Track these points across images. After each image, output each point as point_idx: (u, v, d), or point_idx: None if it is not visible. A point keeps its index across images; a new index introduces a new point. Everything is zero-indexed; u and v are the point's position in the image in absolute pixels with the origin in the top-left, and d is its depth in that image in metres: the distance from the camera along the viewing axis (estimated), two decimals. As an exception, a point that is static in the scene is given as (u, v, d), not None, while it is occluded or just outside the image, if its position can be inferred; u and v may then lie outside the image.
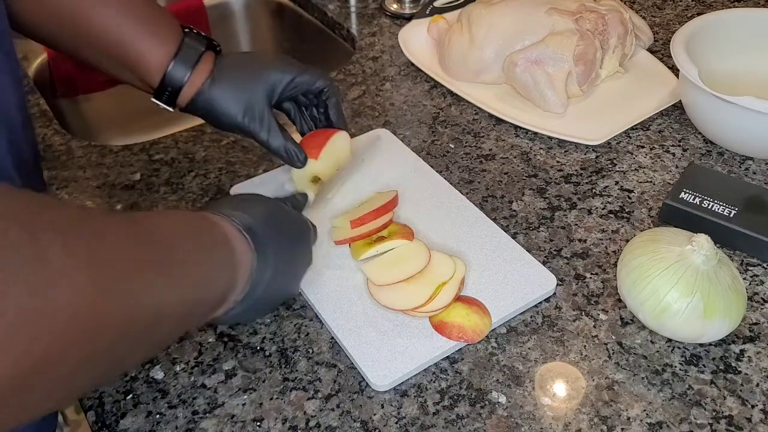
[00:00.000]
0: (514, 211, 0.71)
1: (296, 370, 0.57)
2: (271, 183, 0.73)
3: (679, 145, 0.80)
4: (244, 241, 0.49)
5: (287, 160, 0.66)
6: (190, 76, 0.62)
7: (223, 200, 0.56)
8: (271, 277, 0.51)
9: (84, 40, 0.60)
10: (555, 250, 0.67)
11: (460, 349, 0.58)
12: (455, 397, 0.55)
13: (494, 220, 0.69)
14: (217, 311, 0.49)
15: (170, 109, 0.64)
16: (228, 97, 0.63)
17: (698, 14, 0.96)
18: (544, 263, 0.65)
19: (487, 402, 0.55)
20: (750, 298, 0.62)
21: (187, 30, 0.63)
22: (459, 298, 0.60)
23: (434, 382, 0.56)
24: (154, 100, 0.63)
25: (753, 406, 0.54)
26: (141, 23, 0.60)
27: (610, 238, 0.68)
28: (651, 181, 0.75)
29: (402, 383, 0.56)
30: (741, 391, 0.55)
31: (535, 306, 0.62)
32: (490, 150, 0.79)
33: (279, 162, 0.77)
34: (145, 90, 0.64)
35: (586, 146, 0.80)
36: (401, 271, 0.61)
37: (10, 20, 0.50)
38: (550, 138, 0.81)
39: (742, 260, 0.66)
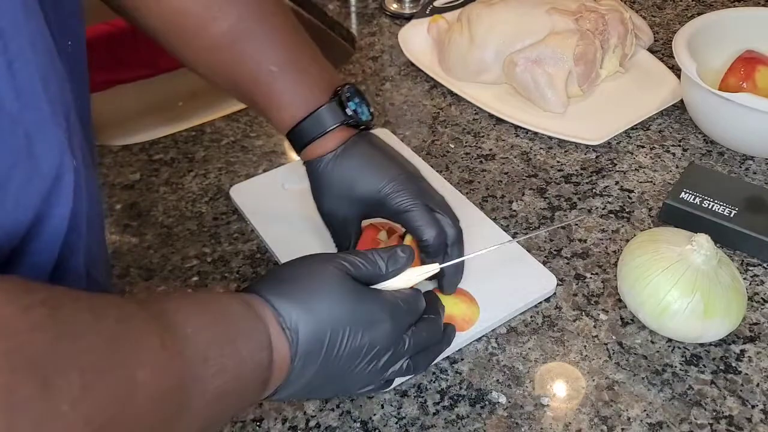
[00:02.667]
0: (514, 211, 0.71)
1: (296, 370, 0.57)
2: (271, 183, 0.73)
3: (680, 145, 0.80)
4: (284, 339, 0.42)
5: None
6: (307, 145, 0.57)
7: (278, 277, 0.45)
8: (312, 376, 0.43)
9: (222, 69, 0.57)
10: (555, 250, 0.67)
11: (460, 349, 0.58)
12: (455, 397, 0.55)
13: (494, 220, 0.69)
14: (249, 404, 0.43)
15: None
16: (324, 190, 0.57)
17: (698, 14, 0.96)
18: (544, 263, 0.65)
19: (487, 402, 0.54)
20: (750, 298, 0.62)
21: (336, 92, 0.57)
22: None
23: (434, 382, 0.56)
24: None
25: (753, 407, 0.54)
26: (285, 72, 0.56)
27: (610, 238, 0.68)
28: (651, 181, 0.75)
29: (402, 383, 0.56)
30: (741, 391, 0.55)
31: (535, 306, 0.62)
32: (490, 150, 0.79)
33: (279, 161, 0.77)
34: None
35: (586, 146, 0.79)
36: None
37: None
38: (550, 138, 0.81)
39: (743, 260, 0.66)
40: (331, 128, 0.56)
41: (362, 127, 0.58)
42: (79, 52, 0.44)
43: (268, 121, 0.59)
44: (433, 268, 0.51)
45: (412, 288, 0.49)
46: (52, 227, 0.37)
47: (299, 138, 0.57)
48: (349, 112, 0.56)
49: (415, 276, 0.49)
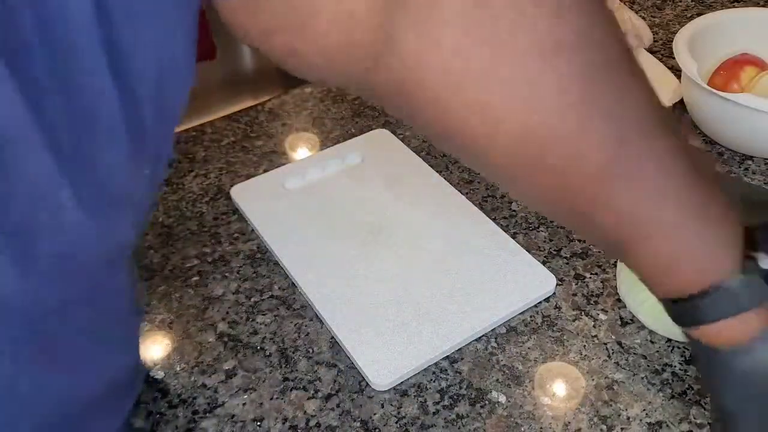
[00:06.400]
0: (514, 211, 0.71)
1: (296, 370, 0.57)
2: (271, 183, 0.73)
3: (679, 145, 0.80)
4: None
5: None
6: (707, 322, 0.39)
7: None
8: None
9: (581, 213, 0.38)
10: (555, 250, 0.67)
11: (460, 348, 0.58)
12: (455, 396, 0.55)
13: (494, 220, 0.69)
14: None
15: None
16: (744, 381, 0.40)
17: (698, 14, 0.96)
18: (543, 263, 0.65)
19: (486, 402, 0.55)
20: (749, 298, 0.62)
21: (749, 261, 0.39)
22: None
23: (434, 381, 0.56)
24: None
25: (752, 406, 0.54)
26: (704, 225, 0.38)
27: (609, 238, 0.68)
28: (651, 181, 0.75)
29: (402, 383, 0.56)
30: (740, 390, 0.55)
31: (535, 306, 0.62)
32: (490, 150, 0.79)
33: (280, 162, 0.77)
34: None
35: (586, 146, 0.79)
36: None
37: None
38: (550, 138, 0.80)
39: (742, 260, 0.66)
40: (750, 308, 0.38)
41: None
42: None
43: (647, 280, 0.41)
44: None
45: None
46: None
47: (695, 313, 0.39)
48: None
49: None
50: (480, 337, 0.59)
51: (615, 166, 0.34)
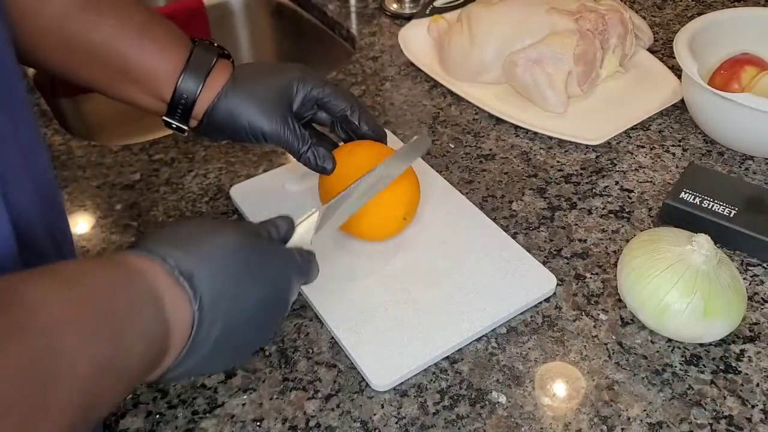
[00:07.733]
0: (514, 211, 0.71)
1: (296, 370, 0.57)
2: (271, 183, 0.73)
3: (679, 145, 0.80)
4: (180, 292, 0.39)
5: (314, 166, 0.61)
6: (203, 85, 0.57)
7: (164, 232, 0.43)
8: (220, 335, 0.41)
9: (83, 57, 0.55)
10: (555, 250, 0.67)
11: (460, 349, 0.58)
12: (455, 397, 0.55)
13: (494, 220, 0.69)
14: (149, 376, 0.40)
15: (184, 127, 0.59)
16: (246, 104, 0.58)
17: (698, 14, 0.96)
18: (544, 263, 0.65)
19: (487, 402, 0.55)
20: (750, 298, 0.62)
21: (196, 40, 0.59)
22: None
23: (434, 382, 0.56)
24: (165, 119, 0.58)
25: (753, 406, 0.54)
26: (145, 34, 0.56)
27: (610, 238, 0.68)
28: (651, 181, 0.75)
29: (402, 383, 0.56)
30: (741, 391, 0.55)
31: (535, 306, 0.62)
32: (490, 150, 0.79)
33: (279, 162, 0.77)
34: (154, 109, 0.59)
35: (586, 146, 0.80)
36: None
37: None
38: (550, 138, 0.81)
39: (742, 260, 0.66)
40: (213, 63, 0.58)
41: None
42: None
43: (146, 94, 0.58)
44: (312, 214, 0.52)
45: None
46: None
47: (186, 91, 0.57)
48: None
49: (303, 230, 0.51)
50: (480, 338, 0.59)
51: None
